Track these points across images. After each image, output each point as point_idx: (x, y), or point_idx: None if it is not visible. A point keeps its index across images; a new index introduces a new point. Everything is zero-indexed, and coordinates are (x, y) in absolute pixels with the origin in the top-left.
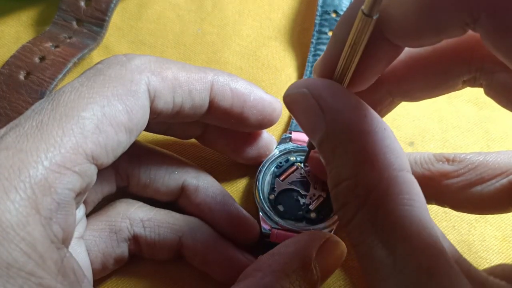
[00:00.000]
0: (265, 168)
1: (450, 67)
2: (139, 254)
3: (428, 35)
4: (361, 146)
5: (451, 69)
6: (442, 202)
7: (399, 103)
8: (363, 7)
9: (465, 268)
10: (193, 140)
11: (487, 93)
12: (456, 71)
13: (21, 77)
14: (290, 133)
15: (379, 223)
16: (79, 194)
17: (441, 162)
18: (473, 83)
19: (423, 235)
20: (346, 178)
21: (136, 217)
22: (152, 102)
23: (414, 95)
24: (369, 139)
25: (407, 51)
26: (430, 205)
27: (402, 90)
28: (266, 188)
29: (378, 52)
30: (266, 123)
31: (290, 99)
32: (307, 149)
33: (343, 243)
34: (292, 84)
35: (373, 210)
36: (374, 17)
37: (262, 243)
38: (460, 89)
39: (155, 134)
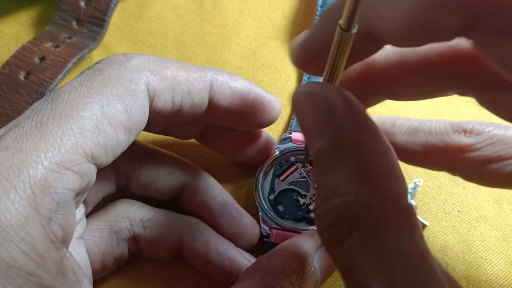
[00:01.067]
0: (265, 168)
1: (439, 79)
2: (139, 254)
3: (418, 36)
4: (366, 163)
5: (439, 81)
6: (454, 172)
7: (384, 100)
8: (340, 21)
9: None
10: (193, 140)
11: (479, 103)
12: (444, 84)
13: (21, 77)
14: (290, 133)
15: (376, 250)
16: (78, 194)
17: (457, 133)
18: (462, 94)
19: (424, 267)
20: (344, 193)
21: (136, 217)
22: (151, 101)
23: (401, 97)
24: (375, 157)
25: (400, 54)
26: (430, 205)
27: (390, 91)
28: (266, 188)
29: (360, 49)
30: (266, 121)
31: (300, 97)
32: (305, 150)
33: None
34: (305, 83)
35: (370, 234)
36: (353, 31)
37: (262, 243)
38: (451, 95)
39: (155, 134)
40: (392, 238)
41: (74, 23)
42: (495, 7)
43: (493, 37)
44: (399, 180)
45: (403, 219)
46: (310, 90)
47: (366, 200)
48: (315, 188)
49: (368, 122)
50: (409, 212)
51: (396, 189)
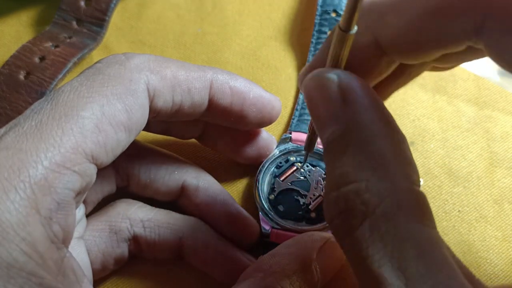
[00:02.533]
0: (265, 168)
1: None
2: (139, 254)
3: (428, 45)
4: (379, 150)
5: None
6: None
7: (395, 65)
8: (339, 22)
9: None
10: (193, 140)
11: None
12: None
13: (21, 77)
14: (290, 133)
15: (388, 238)
16: (79, 194)
17: None
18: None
19: (436, 254)
20: (355, 180)
21: (136, 217)
22: (151, 101)
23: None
24: (388, 145)
25: None
26: (430, 205)
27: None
28: (266, 188)
29: (368, 62)
30: (266, 121)
31: (312, 83)
32: (305, 151)
33: None
34: (318, 69)
35: (382, 222)
36: (351, 32)
37: (262, 243)
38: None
39: (155, 134)
40: (403, 226)
41: (74, 23)
42: (502, 8)
43: (501, 40)
44: (411, 167)
45: (415, 207)
46: (322, 76)
47: (377, 188)
48: (315, 188)
49: (380, 109)
50: (421, 199)
51: (408, 176)
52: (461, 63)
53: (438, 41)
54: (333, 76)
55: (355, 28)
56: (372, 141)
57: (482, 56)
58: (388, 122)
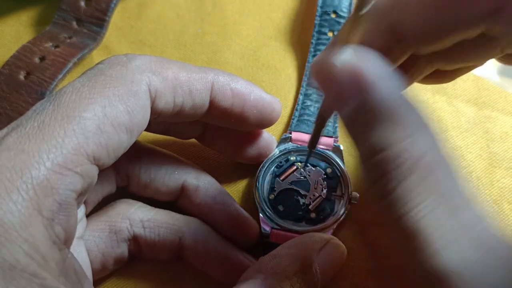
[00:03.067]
0: (265, 168)
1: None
2: (139, 255)
3: (445, 28)
4: (402, 116)
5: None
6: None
7: (403, 58)
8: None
9: None
10: (193, 140)
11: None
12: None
13: (21, 77)
14: (290, 133)
15: (434, 187)
16: (80, 195)
17: None
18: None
19: (477, 204)
20: (389, 145)
21: (136, 217)
22: (153, 102)
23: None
24: (411, 110)
25: None
26: None
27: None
28: (266, 188)
29: (384, 51)
30: (266, 122)
31: (319, 66)
32: (308, 149)
33: (343, 245)
34: (321, 52)
35: (425, 175)
36: (360, 13)
37: (262, 244)
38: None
39: (155, 134)
40: (445, 178)
41: (74, 23)
42: None
43: None
44: (435, 130)
45: (450, 163)
46: (328, 57)
47: (415, 148)
48: (315, 188)
49: (394, 79)
50: (451, 156)
51: (436, 135)
52: (468, 67)
53: (455, 23)
54: (351, 50)
55: (366, 8)
56: (398, 109)
57: (490, 56)
58: (403, 90)
